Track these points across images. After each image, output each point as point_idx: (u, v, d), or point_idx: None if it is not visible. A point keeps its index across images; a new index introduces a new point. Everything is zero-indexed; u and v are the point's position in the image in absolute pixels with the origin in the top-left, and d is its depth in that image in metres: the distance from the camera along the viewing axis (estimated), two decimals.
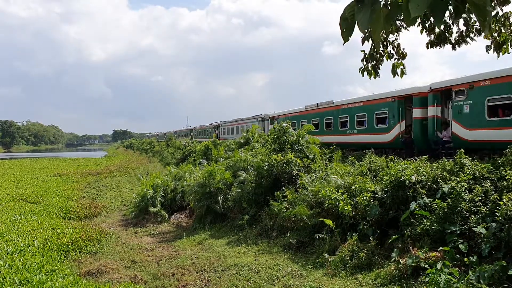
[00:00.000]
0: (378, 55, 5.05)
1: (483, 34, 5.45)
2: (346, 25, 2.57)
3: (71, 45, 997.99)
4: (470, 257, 6.62)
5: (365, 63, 5.08)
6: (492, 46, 5.62)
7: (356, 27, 2.54)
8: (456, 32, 5.50)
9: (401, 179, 8.90)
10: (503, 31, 5.39)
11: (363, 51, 5.04)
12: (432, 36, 5.50)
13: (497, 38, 5.44)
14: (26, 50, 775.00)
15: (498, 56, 5.62)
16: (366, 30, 2.51)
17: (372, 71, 5.07)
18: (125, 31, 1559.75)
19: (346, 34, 2.62)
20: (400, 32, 5.29)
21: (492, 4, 5.01)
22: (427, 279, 6.40)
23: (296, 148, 15.30)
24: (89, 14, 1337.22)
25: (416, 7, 2.12)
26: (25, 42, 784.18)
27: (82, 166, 44.96)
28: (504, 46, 5.50)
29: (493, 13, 5.24)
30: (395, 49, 5.40)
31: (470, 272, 6.22)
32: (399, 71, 5.35)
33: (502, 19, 5.31)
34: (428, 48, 5.70)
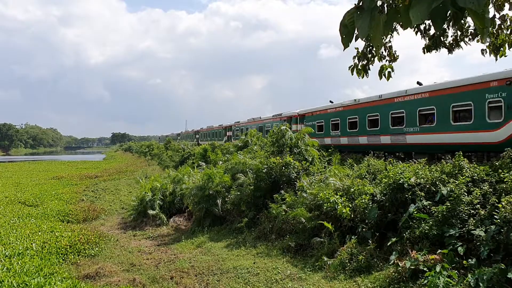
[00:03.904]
0: (370, 55, 5.04)
1: (476, 38, 5.46)
2: (346, 31, 2.59)
3: (69, 48, 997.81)
4: (469, 260, 6.61)
5: (356, 61, 5.08)
6: (488, 50, 5.62)
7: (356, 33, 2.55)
8: (451, 36, 5.51)
9: (400, 182, 8.91)
10: (500, 34, 5.39)
11: (357, 48, 5.04)
12: (428, 39, 5.51)
13: (495, 41, 5.45)
14: (25, 53, 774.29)
15: (496, 59, 5.62)
16: (365, 37, 2.53)
17: (361, 70, 5.06)
18: (123, 34, 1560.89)
19: (346, 40, 2.63)
20: (392, 35, 5.29)
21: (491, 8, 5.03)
22: (426, 282, 6.41)
23: (295, 151, 15.31)
24: (87, 17, 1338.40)
25: (417, 15, 2.14)
26: (23, 45, 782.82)
27: (81, 169, 44.91)
28: (502, 49, 5.50)
29: (491, 15, 5.26)
30: (387, 50, 5.40)
31: (469, 275, 6.22)
32: (386, 73, 5.34)
33: (499, 21, 5.32)
34: (424, 52, 5.71)
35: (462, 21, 4.98)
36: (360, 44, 5.04)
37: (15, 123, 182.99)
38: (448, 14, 2.32)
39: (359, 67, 5.08)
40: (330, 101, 23.06)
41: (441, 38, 5.45)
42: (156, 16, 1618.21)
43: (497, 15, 5.23)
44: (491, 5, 4.84)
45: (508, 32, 5.41)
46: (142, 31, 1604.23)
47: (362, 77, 5.07)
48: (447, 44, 5.55)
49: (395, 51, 5.45)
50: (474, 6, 2.06)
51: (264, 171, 13.65)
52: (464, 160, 9.11)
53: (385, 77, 5.33)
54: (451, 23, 4.85)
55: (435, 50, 5.60)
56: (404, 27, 2.66)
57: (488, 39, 5.43)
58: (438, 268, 6.49)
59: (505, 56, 5.57)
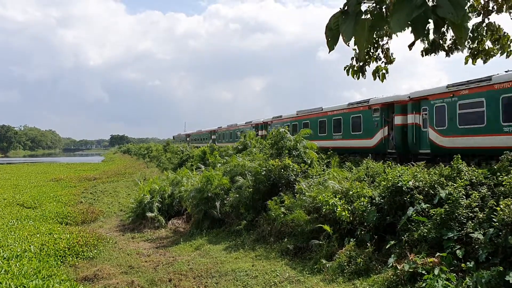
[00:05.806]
0: (367, 56, 5.04)
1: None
2: (332, 35, 2.61)
3: (68, 49, 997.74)
4: (467, 263, 6.62)
5: (354, 62, 5.07)
6: (472, 56, 5.65)
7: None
8: (450, 40, 5.51)
9: (399, 185, 8.91)
10: (483, 40, 5.43)
11: (355, 49, 5.03)
12: (426, 43, 5.51)
13: (479, 47, 5.48)
14: (23, 54, 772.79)
15: (466, 63, 5.66)
16: (349, 42, 2.54)
17: (357, 71, 5.05)
18: (122, 36, 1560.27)
19: (331, 43, 2.66)
20: (389, 37, 5.28)
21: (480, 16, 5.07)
22: (424, 285, 6.41)
23: (293, 153, 15.31)
24: (86, 18, 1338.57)
25: (398, 24, 2.14)
26: (22, 46, 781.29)
27: (79, 171, 44.86)
28: (487, 56, 5.53)
29: (473, 23, 5.31)
30: (384, 53, 5.40)
31: (467, 278, 6.23)
32: (380, 74, 5.34)
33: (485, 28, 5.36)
34: (423, 55, 5.72)
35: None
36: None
37: (13, 124, 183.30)
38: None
39: (355, 68, 5.08)
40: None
41: (440, 41, 5.45)
42: (155, 18, 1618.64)
43: (486, 21, 5.26)
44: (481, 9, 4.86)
45: (493, 40, 5.44)
46: (141, 32, 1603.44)
47: (358, 78, 5.07)
48: (446, 48, 5.56)
49: (392, 53, 5.45)
50: (453, 17, 2.08)
51: (263, 173, 13.66)
52: (462, 164, 9.14)
53: (379, 78, 5.33)
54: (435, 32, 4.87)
55: (433, 54, 5.61)
56: (393, 32, 2.68)
57: (472, 44, 5.46)
58: (436, 271, 6.50)
59: (474, 64, 5.60)
